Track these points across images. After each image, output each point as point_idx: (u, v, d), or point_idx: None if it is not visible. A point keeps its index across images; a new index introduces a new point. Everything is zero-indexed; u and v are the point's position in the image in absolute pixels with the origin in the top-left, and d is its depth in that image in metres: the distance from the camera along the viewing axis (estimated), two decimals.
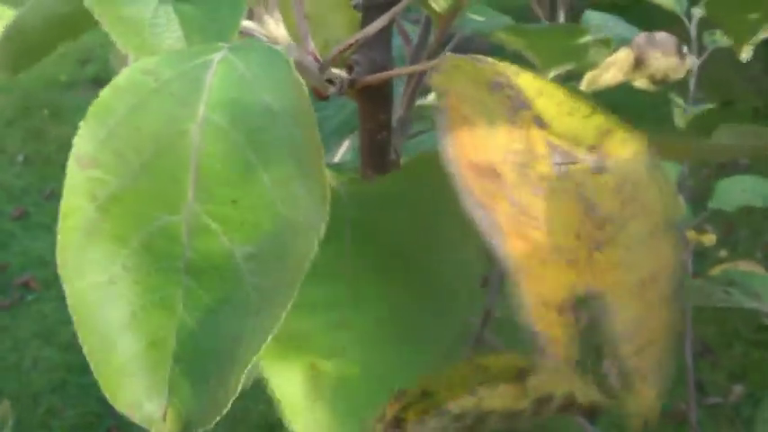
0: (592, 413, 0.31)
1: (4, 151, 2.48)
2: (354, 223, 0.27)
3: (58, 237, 0.21)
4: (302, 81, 0.21)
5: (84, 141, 0.21)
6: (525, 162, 0.22)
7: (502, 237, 0.20)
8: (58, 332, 1.78)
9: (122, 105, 0.21)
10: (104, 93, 0.21)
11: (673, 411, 1.55)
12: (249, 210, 0.20)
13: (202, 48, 0.22)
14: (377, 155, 0.31)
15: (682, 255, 0.23)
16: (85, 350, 0.21)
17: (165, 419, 0.20)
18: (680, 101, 0.93)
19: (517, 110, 0.22)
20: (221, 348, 0.20)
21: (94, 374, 0.21)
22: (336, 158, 0.51)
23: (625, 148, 0.23)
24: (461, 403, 0.28)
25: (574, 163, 0.22)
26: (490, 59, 0.24)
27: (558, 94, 0.24)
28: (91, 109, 0.21)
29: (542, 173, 0.22)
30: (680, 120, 0.93)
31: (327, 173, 0.31)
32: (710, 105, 0.93)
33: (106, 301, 0.20)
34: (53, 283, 1.92)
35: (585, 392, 0.30)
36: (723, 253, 1.76)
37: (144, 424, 0.21)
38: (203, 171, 0.20)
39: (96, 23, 0.27)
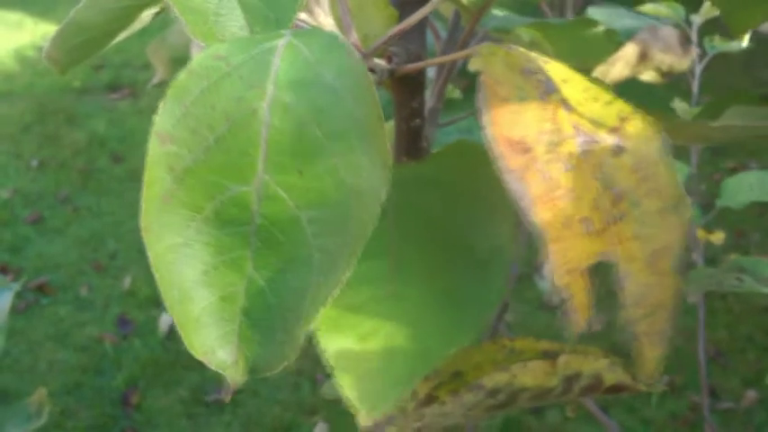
0: (617, 392, 0.32)
1: (20, 156, 2.51)
2: (396, 204, 0.29)
3: (142, 204, 0.23)
4: (363, 62, 0.23)
5: (162, 119, 0.23)
6: (554, 140, 0.24)
7: (532, 206, 0.22)
8: (73, 335, 1.80)
9: (197, 87, 0.23)
10: (181, 76, 0.23)
11: (685, 415, 1.55)
12: (314, 178, 0.22)
13: (267, 35, 0.24)
14: (411, 142, 0.32)
15: (688, 231, 0.25)
16: (166, 305, 0.23)
17: (235, 365, 0.23)
18: (684, 105, 0.95)
19: (547, 93, 0.25)
20: (287, 303, 0.22)
21: (176, 326, 0.23)
22: None
23: (642, 133, 0.25)
24: (496, 378, 0.30)
25: (596, 143, 0.24)
26: (522, 49, 0.26)
27: (583, 81, 0.26)
28: (169, 91, 0.23)
29: (569, 151, 0.24)
30: (683, 115, 0.94)
31: None
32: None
33: (182, 260, 0.23)
34: (68, 287, 1.94)
35: (612, 372, 0.31)
36: (734, 257, 1.76)
37: (217, 369, 0.23)
38: (272, 145, 0.22)
39: (154, 17, 0.29)
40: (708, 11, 0.85)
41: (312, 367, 1.60)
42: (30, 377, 1.70)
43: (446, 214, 0.30)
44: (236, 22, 0.25)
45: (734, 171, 2.18)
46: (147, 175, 0.23)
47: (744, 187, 0.80)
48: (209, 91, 0.23)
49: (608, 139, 0.24)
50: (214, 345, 0.23)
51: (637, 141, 0.24)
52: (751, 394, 1.65)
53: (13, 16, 3.56)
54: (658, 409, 1.56)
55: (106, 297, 1.90)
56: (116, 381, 1.66)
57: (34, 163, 2.47)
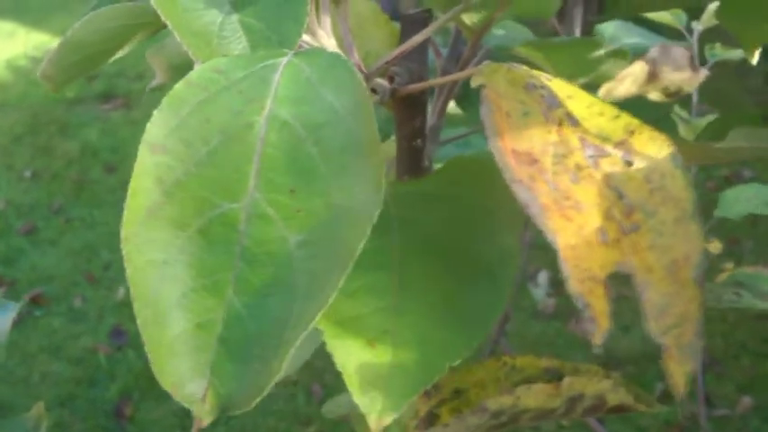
0: (619, 413, 0.32)
1: (12, 167, 2.50)
2: (400, 220, 0.29)
3: (125, 213, 0.22)
4: (364, 83, 0.22)
5: (155, 128, 0.22)
6: (561, 152, 0.24)
7: (546, 215, 0.22)
8: (67, 346, 1.79)
9: (194, 98, 0.23)
10: (178, 86, 0.23)
11: (680, 423, 1.56)
12: (306, 198, 0.22)
13: (270, 52, 0.24)
14: (413, 161, 0.32)
15: (705, 240, 0.24)
16: (139, 322, 0.22)
17: (204, 401, 0.21)
18: (684, 113, 0.95)
19: (550, 108, 0.25)
20: (267, 331, 0.21)
21: (146, 349, 0.22)
22: None
23: (652, 144, 0.25)
24: (500, 401, 0.30)
25: (604, 155, 0.24)
26: (524, 66, 0.26)
27: (587, 97, 0.26)
28: (165, 100, 0.23)
29: (577, 162, 0.24)
30: (685, 132, 0.94)
31: None
32: (712, 117, 0.94)
33: (161, 279, 0.22)
34: (62, 298, 1.93)
35: (615, 393, 0.31)
36: (728, 265, 1.77)
37: (185, 403, 0.21)
38: (266, 161, 0.22)
39: (151, 36, 0.29)
40: (709, 18, 0.85)
41: (308, 378, 1.59)
42: (23, 389, 1.69)
43: (449, 227, 0.29)
44: (239, 45, 0.25)
45: (727, 179, 2.19)
46: (134, 184, 0.22)
47: (742, 200, 0.81)
48: (206, 103, 0.22)
49: (616, 152, 0.24)
50: (184, 377, 0.21)
51: (646, 153, 0.24)
52: (746, 401, 1.65)
53: (5, 26, 3.55)
54: (653, 418, 1.56)
55: (100, 308, 1.89)
56: (110, 392, 1.65)
57: (27, 174, 2.46)
